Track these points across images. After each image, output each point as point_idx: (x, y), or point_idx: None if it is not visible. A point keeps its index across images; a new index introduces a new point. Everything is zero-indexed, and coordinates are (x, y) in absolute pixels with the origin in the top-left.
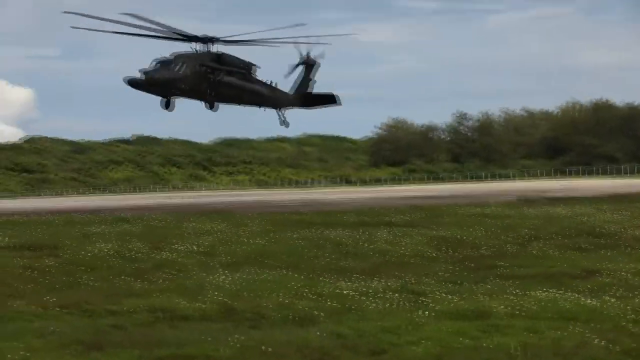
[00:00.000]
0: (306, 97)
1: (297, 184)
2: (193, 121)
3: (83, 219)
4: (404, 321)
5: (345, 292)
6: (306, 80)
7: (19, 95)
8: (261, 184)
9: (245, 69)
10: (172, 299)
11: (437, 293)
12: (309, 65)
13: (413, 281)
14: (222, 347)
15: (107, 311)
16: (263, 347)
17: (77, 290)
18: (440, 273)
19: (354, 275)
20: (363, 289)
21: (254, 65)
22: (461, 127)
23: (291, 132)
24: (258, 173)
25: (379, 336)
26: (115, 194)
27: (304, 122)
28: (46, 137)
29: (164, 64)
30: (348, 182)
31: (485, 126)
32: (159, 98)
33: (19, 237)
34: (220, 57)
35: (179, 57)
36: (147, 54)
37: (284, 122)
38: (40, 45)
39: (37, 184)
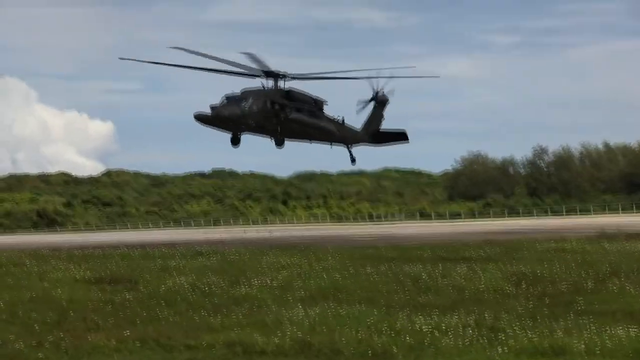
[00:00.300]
0: (376, 134)
1: (374, 218)
2: (271, 155)
3: (161, 252)
4: (480, 358)
5: (422, 327)
6: (377, 117)
7: (99, 129)
8: (338, 218)
9: (313, 105)
10: (250, 333)
11: (515, 329)
12: (380, 102)
13: (490, 317)
14: None
15: (185, 346)
16: None
17: (156, 325)
18: (517, 309)
19: (431, 311)
20: (440, 324)
21: (323, 101)
22: (539, 162)
23: (369, 166)
24: (335, 207)
25: None
26: (192, 227)
27: (381, 155)
28: (125, 171)
29: (232, 100)
30: (425, 216)
31: (564, 160)
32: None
33: (98, 270)
34: (288, 93)
35: (247, 93)
36: (228, 88)
37: (352, 159)
38: (120, 79)
39: (116, 217)
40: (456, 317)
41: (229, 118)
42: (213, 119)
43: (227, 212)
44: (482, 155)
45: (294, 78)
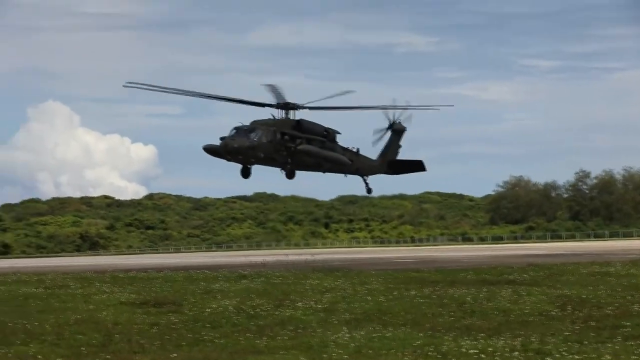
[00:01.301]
0: (393, 163)
1: (416, 241)
2: (313, 178)
3: (204, 275)
4: None
5: (468, 350)
6: (394, 146)
7: (141, 152)
8: (380, 241)
9: (326, 135)
10: (296, 356)
11: (562, 353)
12: (396, 130)
13: (537, 340)
14: None
15: None
16: None
17: (201, 347)
18: (563, 332)
19: (477, 334)
20: (486, 347)
21: (336, 131)
22: (582, 185)
23: (410, 190)
24: (377, 230)
25: None
26: (234, 250)
27: (423, 179)
28: (167, 194)
29: (241, 131)
30: (467, 239)
31: (607, 184)
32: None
33: (142, 293)
34: (299, 124)
35: (256, 125)
36: (267, 113)
37: (368, 190)
38: (161, 103)
39: (158, 240)
40: (502, 340)
41: (237, 150)
42: (221, 150)
43: (269, 235)
44: (525, 179)
45: (307, 108)
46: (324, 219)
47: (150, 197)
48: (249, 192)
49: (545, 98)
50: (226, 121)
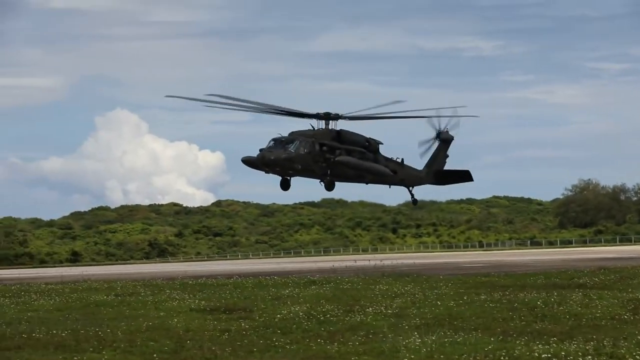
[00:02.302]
0: (439, 174)
1: (484, 245)
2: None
3: (274, 281)
4: None
5: (540, 355)
6: (441, 156)
7: (209, 159)
8: (448, 246)
9: (367, 145)
10: None
11: (635, 356)
12: (444, 140)
13: (609, 344)
14: None
15: None
16: None
17: (273, 353)
18: (636, 336)
19: (549, 338)
20: (558, 352)
21: (378, 141)
22: None
23: (478, 194)
24: (445, 235)
25: None
26: (302, 256)
27: (490, 183)
28: (235, 201)
29: (279, 142)
30: (535, 243)
31: None
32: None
33: (212, 299)
34: (339, 134)
35: (295, 136)
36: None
37: (414, 201)
38: (228, 110)
39: (227, 247)
40: (574, 344)
41: (275, 162)
42: (258, 162)
43: (336, 241)
44: (593, 182)
45: (347, 118)
46: (391, 224)
47: (218, 204)
48: (317, 198)
49: (613, 101)
50: (292, 127)
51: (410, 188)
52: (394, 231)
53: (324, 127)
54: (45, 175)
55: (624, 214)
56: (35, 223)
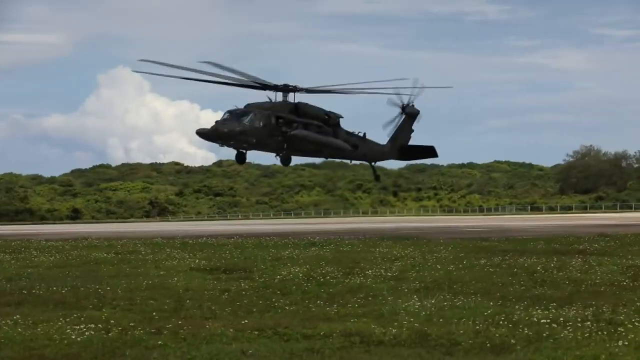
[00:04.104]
0: (404, 149)
1: (485, 210)
2: None
3: (274, 242)
4: (601, 351)
5: (539, 320)
6: (405, 131)
7: (210, 119)
8: (448, 210)
9: (327, 119)
10: (367, 323)
11: (634, 323)
12: (409, 114)
13: (608, 310)
14: None
15: (302, 335)
16: None
17: (272, 314)
18: (636, 303)
19: (548, 303)
20: (557, 317)
21: (338, 115)
22: None
23: (480, 159)
24: (446, 199)
25: None
26: (302, 217)
27: (491, 148)
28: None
29: (234, 115)
30: (536, 209)
31: None
32: None
33: (213, 259)
34: (297, 107)
35: (250, 108)
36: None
37: (376, 176)
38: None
39: (227, 207)
40: (573, 310)
41: (228, 135)
42: (212, 135)
43: (337, 203)
44: (595, 149)
45: (307, 91)
46: (392, 187)
47: (219, 164)
48: (318, 160)
49: (618, 67)
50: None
51: (373, 163)
52: (395, 194)
53: (282, 99)
54: (47, 132)
55: (625, 181)
56: (36, 179)
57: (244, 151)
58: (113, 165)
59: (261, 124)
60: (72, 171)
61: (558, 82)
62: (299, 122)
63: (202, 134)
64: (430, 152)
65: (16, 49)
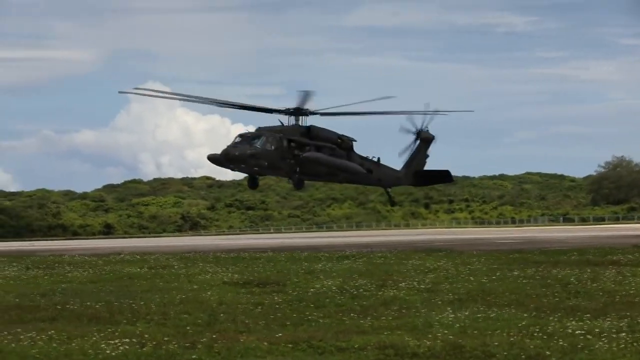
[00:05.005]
0: (419, 174)
1: (517, 222)
2: None
3: (306, 256)
4: None
5: (574, 331)
6: (420, 156)
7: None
8: (480, 222)
9: (339, 143)
10: (401, 336)
11: None
12: (424, 140)
13: None
14: None
15: (336, 348)
16: None
17: (306, 327)
18: None
19: (582, 315)
20: (592, 328)
21: (351, 138)
22: None
23: (511, 170)
24: (477, 211)
25: None
26: (335, 231)
27: (523, 159)
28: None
29: (245, 138)
30: (568, 220)
31: None
32: None
33: (245, 273)
34: (309, 130)
35: (262, 132)
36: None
37: (391, 202)
38: (261, 84)
39: (259, 221)
40: (608, 321)
41: (239, 158)
42: (222, 159)
43: (369, 216)
44: (627, 159)
45: (319, 114)
46: (424, 200)
47: None
48: None
49: None
50: (329, 102)
51: (388, 189)
52: (427, 206)
53: (293, 123)
54: (78, 147)
55: None
56: (68, 195)
57: (256, 176)
58: (145, 180)
59: (273, 147)
60: (104, 186)
61: (587, 93)
62: (311, 144)
63: (213, 159)
64: (445, 176)
65: (45, 65)
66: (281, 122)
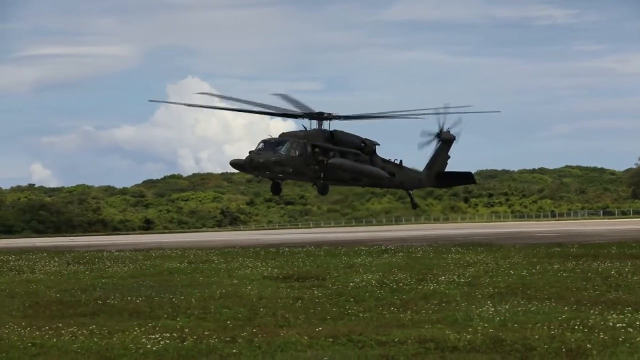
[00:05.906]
0: (441, 176)
1: (557, 215)
2: (453, 153)
3: (346, 250)
4: None
5: (615, 324)
6: (442, 157)
7: (280, 128)
8: (520, 216)
9: (363, 147)
10: (441, 329)
11: None
12: (445, 140)
13: None
14: None
15: (377, 342)
16: None
17: (346, 321)
18: None
19: (623, 308)
20: (633, 321)
21: (374, 142)
22: None
23: (551, 164)
24: (517, 204)
25: None
26: (374, 225)
27: (563, 153)
28: None
29: (269, 144)
30: (608, 213)
31: None
32: None
33: (285, 267)
34: (332, 135)
35: (286, 137)
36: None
37: (413, 205)
38: (301, 79)
39: (298, 216)
40: None
41: (264, 165)
42: (247, 165)
43: (408, 210)
44: None
45: (342, 118)
46: (463, 194)
47: None
48: None
49: None
50: (366, 95)
51: (410, 191)
52: (466, 200)
53: (316, 127)
54: (118, 143)
55: None
56: (108, 191)
57: (280, 182)
58: (184, 175)
59: (297, 153)
60: (144, 182)
61: (626, 86)
62: (335, 150)
63: (237, 164)
64: (467, 178)
65: (85, 61)
66: (304, 127)
